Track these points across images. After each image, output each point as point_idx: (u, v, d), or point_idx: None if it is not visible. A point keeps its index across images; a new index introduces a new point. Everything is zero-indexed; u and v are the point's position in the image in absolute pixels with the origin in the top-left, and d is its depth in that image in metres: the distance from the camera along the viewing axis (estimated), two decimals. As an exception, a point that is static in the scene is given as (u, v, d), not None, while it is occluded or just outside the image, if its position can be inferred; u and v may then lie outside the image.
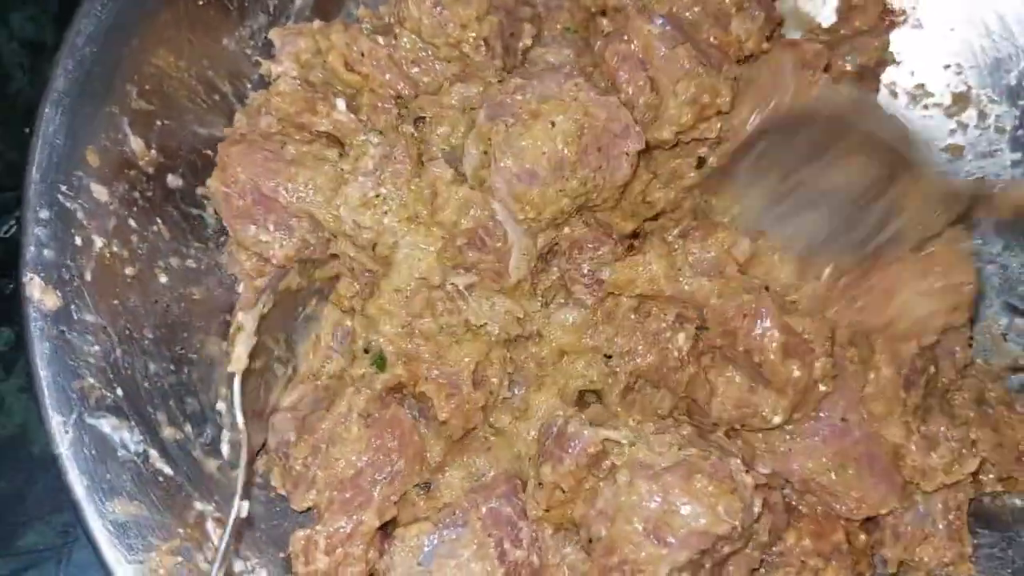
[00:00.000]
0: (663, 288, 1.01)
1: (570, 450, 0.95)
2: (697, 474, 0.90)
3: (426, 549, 0.98)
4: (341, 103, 1.07)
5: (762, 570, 1.01)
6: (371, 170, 1.01)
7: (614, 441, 0.95)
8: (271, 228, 1.04)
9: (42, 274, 0.91)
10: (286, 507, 1.02)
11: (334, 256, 1.06)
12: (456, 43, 1.08)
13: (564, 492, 0.97)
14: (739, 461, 0.93)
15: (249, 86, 1.11)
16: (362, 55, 1.08)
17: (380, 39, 1.09)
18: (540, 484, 0.98)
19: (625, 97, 1.05)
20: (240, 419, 0.95)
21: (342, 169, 1.03)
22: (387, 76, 1.08)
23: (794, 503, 1.03)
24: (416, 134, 1.07)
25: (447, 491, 1.04)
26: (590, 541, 0.95)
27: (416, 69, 1.10)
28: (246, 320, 0.98)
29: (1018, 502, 1.09)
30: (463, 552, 0.98)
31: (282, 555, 1.01)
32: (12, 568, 1.21)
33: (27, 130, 0.94)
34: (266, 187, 1.03)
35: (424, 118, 1.09)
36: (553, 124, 0.98)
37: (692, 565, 0.91)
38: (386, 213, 1.01)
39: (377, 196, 1.01)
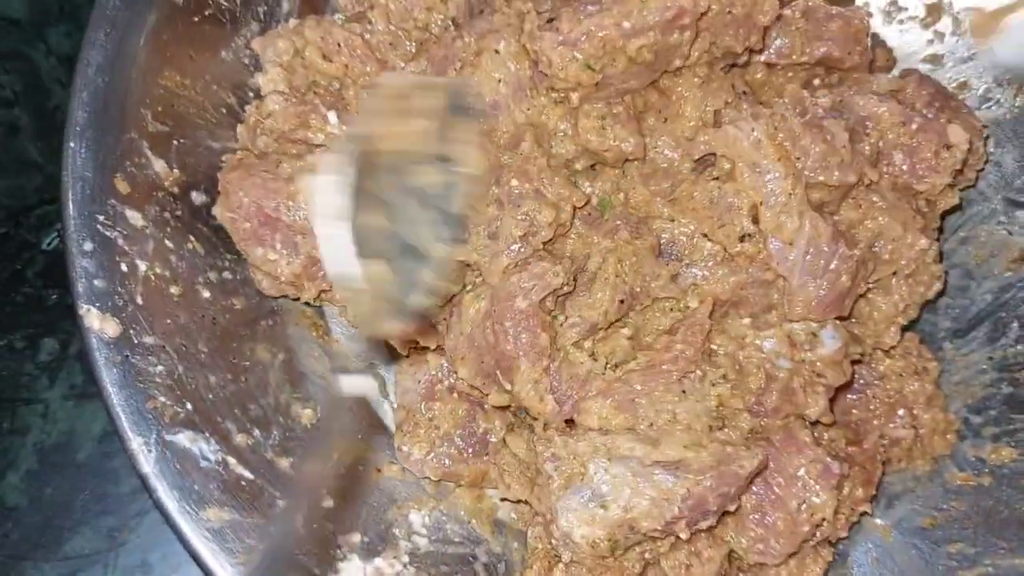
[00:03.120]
0: None
1: None
2: None
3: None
4: (333, 116, 1.07)
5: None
6: None
7: None
8: (278, 247, 1.05)
9: (97, 304, 0.93)
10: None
11: None
12: (424, 26, 1.09)
13: None
14: None
15: (251, 94, 1.12)
16: (338, 45, 1.08)
17: (355, 26, 1.10)
18: None
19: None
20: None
21: None
22: (367, 66, 1.09)
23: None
24: None
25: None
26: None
27: (395, 52, 1.11)
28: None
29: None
30: None
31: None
32: (60, 573, 1.22)
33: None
34: (268, 208, 1.03)
35: None
36: (497, 51, 1.00)
37: None
38: None
39: None
